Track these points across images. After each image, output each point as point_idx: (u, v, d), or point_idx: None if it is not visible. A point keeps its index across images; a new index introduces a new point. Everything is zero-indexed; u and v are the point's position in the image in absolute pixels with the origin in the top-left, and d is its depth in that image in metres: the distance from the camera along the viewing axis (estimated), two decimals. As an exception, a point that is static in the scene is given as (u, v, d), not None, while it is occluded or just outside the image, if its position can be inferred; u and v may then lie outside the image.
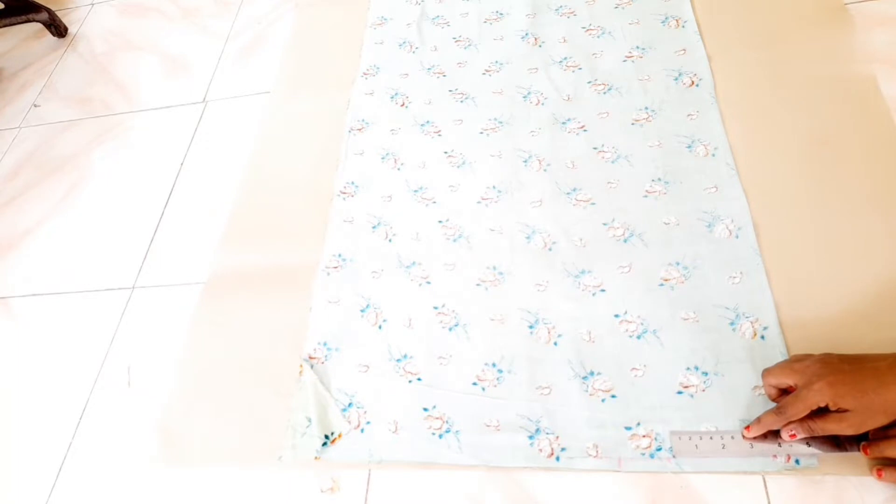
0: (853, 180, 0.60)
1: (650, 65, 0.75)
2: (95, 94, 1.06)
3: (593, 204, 0.67)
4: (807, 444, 0.48)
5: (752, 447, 0.49)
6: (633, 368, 0.56)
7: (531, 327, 0.61)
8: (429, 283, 0.67)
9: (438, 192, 0.73)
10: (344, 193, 0.76)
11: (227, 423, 0.63)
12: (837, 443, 0.47)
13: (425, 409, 0.59)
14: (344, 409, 0.61)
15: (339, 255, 0.71)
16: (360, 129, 0.82)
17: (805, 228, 0.59)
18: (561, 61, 0.80)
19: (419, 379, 0.61)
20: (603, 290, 0.61)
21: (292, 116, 0.88)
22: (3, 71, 1.17)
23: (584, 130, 0.73)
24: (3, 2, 1.14)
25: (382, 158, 0.78)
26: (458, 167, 0.74)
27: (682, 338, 0.57)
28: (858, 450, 0.46)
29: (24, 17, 1.13)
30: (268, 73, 0.95)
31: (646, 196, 0.66)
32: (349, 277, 0.69)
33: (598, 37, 0.80)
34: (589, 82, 0.76)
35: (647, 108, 0.72)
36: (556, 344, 0.59)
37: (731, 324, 0.56)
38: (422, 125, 0.80)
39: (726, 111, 0.69)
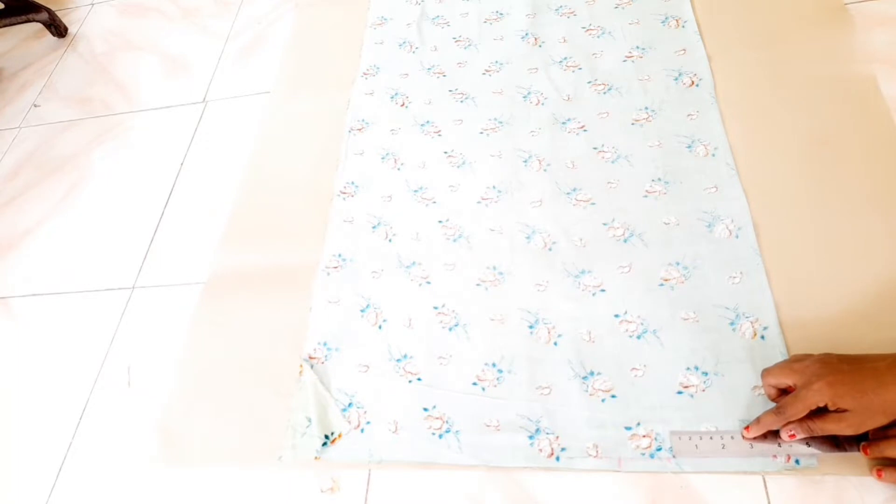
0: (853, 180, 0.60)
1: (650, 65, 0.75)
2: (95, 94, 1.06)
3: (593, 204, 0.67)
4: (806, 444, 0.48)
5: (752, 447, 0.49)
6: (633, 368, 0.56)
7: (531, 327, 0.61)
8: (429, 283, 0.67)
9: (438, 192, 0.73)
10: (344, 193, 0.76)
11: (227, 423, 0.63)
12: (837, 443, 0.47)
13: (425, 409, 0.59)
14: (344, 409, 0.61)
15: (339, 255, 0.71)
16: (360, 129, 0.82)
17: (805, 228, 0.59)
18: (561, 61, 0.80)
19: (419, 379, 0.61)
20: (603, 290, 0.61)
21: (292, 116, 0.88)
22: (3, 71, 1.17)
23: (584, 130, 0.73)
24: (3, 2, 1.14)
25: (382, 158, 0.78)
26: (458, 167, 0.74)
27: (682, 338, 0.57)
28: (858, 450, 0.46)
29: (24, 17, 1.13)
30: (268, 73, 0.95)
31: (646, 196, 0.66)
32: (349, 277, 0.69)
33: (598, 37, 0.80)
34: (589, 82, 0.76)
35: (647, 108, 0.72)
36: (556, 344, 0.59)
37: (731, 324, 0.56)
38: (422, 125, 0.80)
39: (726, 111, 0.69)
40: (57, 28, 1.17)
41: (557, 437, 0.54)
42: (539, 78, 0.79)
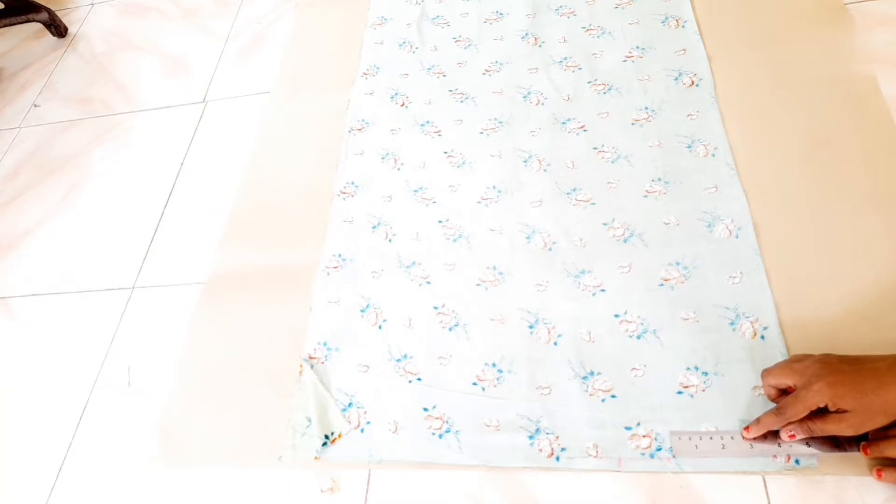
0: (853, 180, 0.60)
1: (650, 65, 0.75)
2: (95, 94, 1.06)
3: (593, 204, 0.67)
4: (806, 444, 0.48)
5: (752, 447, 0.49)
6: (633, 368, 0.56)
7: (531, 327, 0.61)
8: (429, 283, 0.67)
9: (438, 192, 0.73)
10: (344, 193, 0.76)
11: (227, 423, 0.63)
12: (837, 443, 0.47)
13: (425, 409, 0.59)
14: (344, 409, 0.61)
15: (339, 255, 0.71)
16: (360, 129, 0.82)
17: (805, 228, 0.59)
18: (561, 61, 0.80)
19: (419, 379, 0.61)
20: (603, 290, 0.61)
21: (292, 116, 0.88)
22: (3, 71, 1.17)
23: (584, 130, 0.73)
24: (3, 2, 1.14)
25: (382, 158, 0.78)
26: (458, 167, 0.74)
27: (682, 338, 0.57)
28: (858, 450, 0.46)
29: (24, 17, 1.14)
30: (268, 73, 0.95)
31: (646, 196, 0.66)
32: (349, 277, 0.69)
33: (598, 37, 0.80)
34: (589, 82, 0.76)
35: (647, 108, 0.72)
36: (556, 344, 0.59)
37: (731, 324, 0.56)
38: (422, 125, 0.80)
39: (726, 111, 0.69)
40: (57, 28, 1.17)
41: (557, 437, 0.54)
42: (539, 78, 0.79)
